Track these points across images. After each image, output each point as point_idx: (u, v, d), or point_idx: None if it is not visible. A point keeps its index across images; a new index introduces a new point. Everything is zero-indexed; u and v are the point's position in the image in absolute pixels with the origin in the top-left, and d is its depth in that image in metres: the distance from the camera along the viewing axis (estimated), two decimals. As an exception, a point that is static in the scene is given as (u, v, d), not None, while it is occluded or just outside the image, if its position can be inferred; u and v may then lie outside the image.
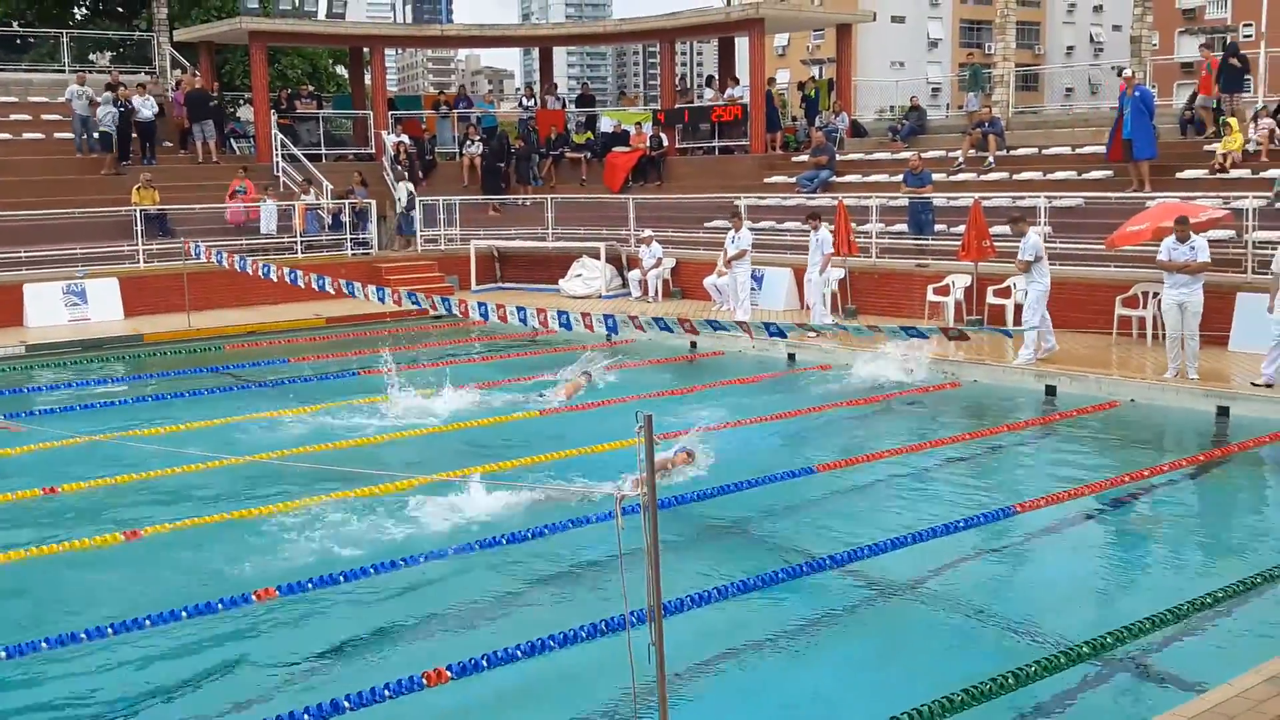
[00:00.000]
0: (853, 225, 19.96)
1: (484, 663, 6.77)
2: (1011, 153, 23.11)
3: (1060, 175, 21.19)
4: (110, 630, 7.39)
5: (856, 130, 27.50)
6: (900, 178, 21.98)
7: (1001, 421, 13.10)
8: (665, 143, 28.13)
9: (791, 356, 16.98)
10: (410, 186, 25.70)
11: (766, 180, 25.55)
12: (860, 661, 7.15)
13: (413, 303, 14.78)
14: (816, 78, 32.42)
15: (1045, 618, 7.57)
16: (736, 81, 29.52)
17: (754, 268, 21.04)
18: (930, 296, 18.72)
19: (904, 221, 21.19)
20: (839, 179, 24.27)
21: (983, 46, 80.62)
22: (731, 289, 19.69)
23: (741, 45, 30.40)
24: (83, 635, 7.31)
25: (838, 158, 25.05)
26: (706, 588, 7.77)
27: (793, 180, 24.67)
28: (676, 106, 29.61)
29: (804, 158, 25.52)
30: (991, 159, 22.80)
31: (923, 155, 23.05)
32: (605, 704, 6.32)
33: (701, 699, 6.55)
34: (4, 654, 7.06)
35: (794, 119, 29.87)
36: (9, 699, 6.72)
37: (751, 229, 21.10)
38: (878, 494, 10.62)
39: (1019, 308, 17.57)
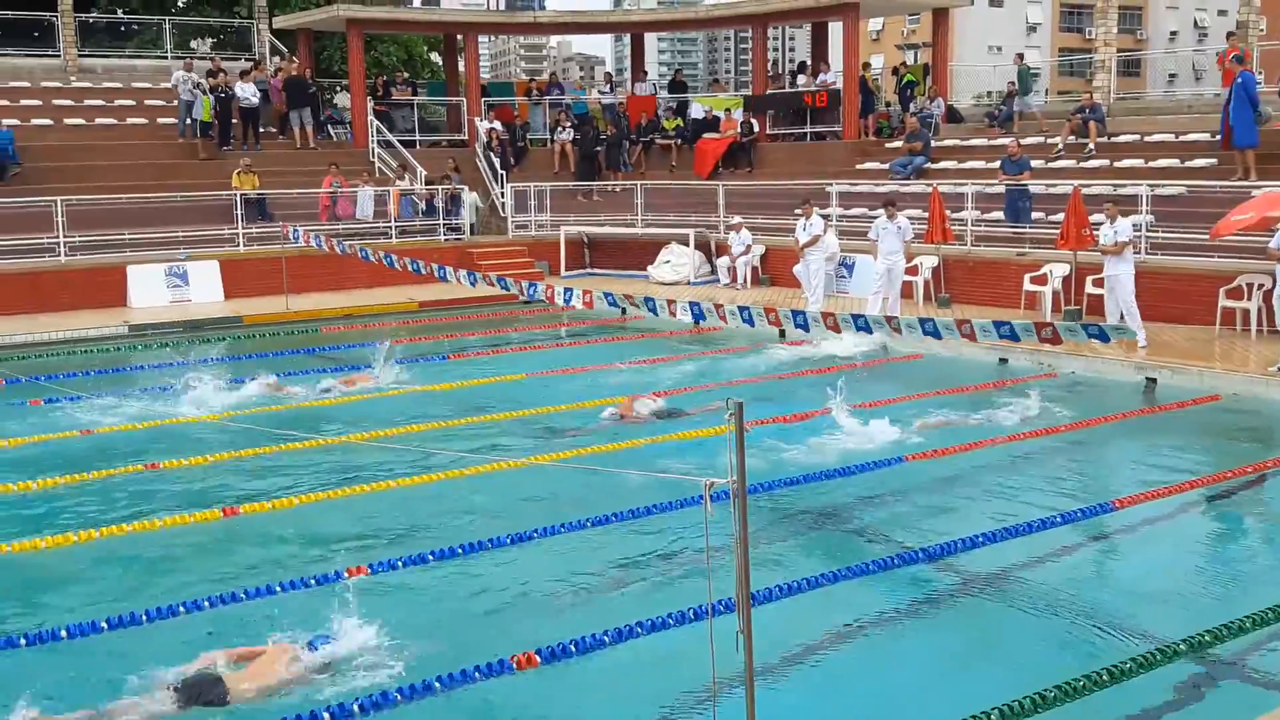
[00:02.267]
0: (947, 213, 19.65)
1: (573, 648, 6.82)
2: (1113, 139, 22.56)
3: (1163, 163, 20.64)
4: (207, 604, 7.58)
5: (952, 116, 27.06)
6: (998, 164, 21.58)
7: (1100, 413, 12.80)
8: (756, 129, 27.96)
9: (884, 345, 16.77)
10: (475, 197, 25.76)
11: (859, 166, 25.28)
12: (951, 656, 7.04)
13: (502, 287, 14.89)
14: (910, 63, 31.95)
15: (1142, 614, 7.40)
16: (829, 67, 29.22)
17: (845, 255, 20.86)
18: (1027, 286, 18.36)
19: (1001, 209, 20.80)
20: (933, 165, 23.92)
21: (1083, 30, 78.81)
22: (804, 277, 19.49)
23: (835, 30, 30.07)
24: (180, 609, 7.51)
25: (933, 144, 24.68)
26: (794, 578, 7.73)
27: (886, 166, 24.38)
28: (768, 92, 29.40)
29: (898, 144, 25.20)
30: (1092, 146, 22.28)
31: (1021, 141, 22.60)
32: (692, 691, 6.30)
33: (787, 690, 6.49)
34: (106, 625, 7.28)
35: (888, 104, 29.50)
36: (109, 669, 6.90)
37: (843, 215, 20.88)
38: (971, 486, 10.45)
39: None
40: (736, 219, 22.97)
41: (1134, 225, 16.52)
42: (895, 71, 29.66)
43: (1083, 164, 21.84)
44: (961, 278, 19.78)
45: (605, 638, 6.94)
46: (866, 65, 28.47)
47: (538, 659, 6.69)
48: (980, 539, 8.58)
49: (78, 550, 8.62)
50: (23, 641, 7.01)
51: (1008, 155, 21.21)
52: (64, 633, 7.10)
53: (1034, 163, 21.55)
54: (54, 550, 8.59)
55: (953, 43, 30.55)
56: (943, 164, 23.99)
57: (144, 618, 7.30)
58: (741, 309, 11.81)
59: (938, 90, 27.42)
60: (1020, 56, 27.55)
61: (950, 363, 15.47)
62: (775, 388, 14.43)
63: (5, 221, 20.38)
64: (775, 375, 15.21)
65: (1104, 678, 6.21)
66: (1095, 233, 16.58)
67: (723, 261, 23.12)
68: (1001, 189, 20.86)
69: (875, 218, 18.76)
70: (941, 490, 10.27)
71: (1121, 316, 15.56)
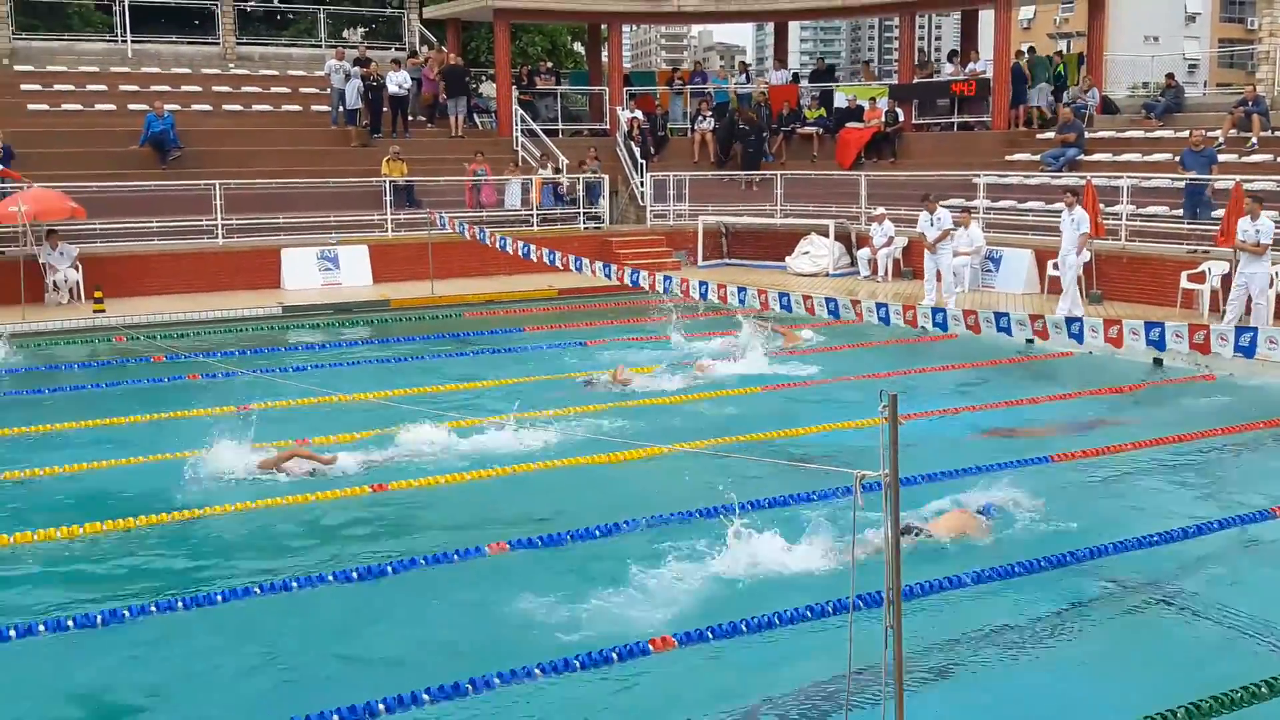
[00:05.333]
0: (1101, 206, 19.04)
1: (709, 634, 6.84)
2: (1276, 133, 21.57)
3: (1330, 158, 19.67)
4: (355, 575, 7.85)
5: (1107, 107, 26.21)
6: (1157, 157, 20.77)
7: (1259, 418, 12.27)
8: (901, 118, 27.50)
9: (1030, 340, 16.33)
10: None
11: (1008, 158, 24.67)
12: (1101, 662, 6.83)
13: (633, 282, 14.92)
14: (1064, 52, 31.00)
15: (1305, 627, 7.08)
16: (978, 56, 28.58)
17: (991, 248, 20.41)
18: (1184, 284, 17.71)
19: (1157, 203, 20.07)
20: (1087, 158, 23.21)
21: (1245, 21, 75.55)
22: (931, 272, 19.12)
23: (985, 18, 29.40)
24: (329, 577, 7.82)
25: (1086, 135, 23.94)
26: (937, 576, 7.61)
27: (1037, 158, 23.76)
28: (914, 81, 28.89)
29: (1049, 135, 24.54)
30: (1255, 140, 21.35)
31: (1178, 134, 21.74)
32: (831, 683, 6.25)
33: (929, 688, 6.39)
34: (259, 590, 7.58)
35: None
36: (264, 631, 7.18)
37: (991, 207, 20.35)
38: (1120, 489, 10.12)
39: (1280, 298, 16.52)
40: (879, 210, 22.64)
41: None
42: (1048, 61, 28.81)
43: (1245, 159, 20.94)
44: (1115, 274, 19.15)
45: (743, 626, 6.94)
46: (1020, 53, 27.74)
47: (674, 642, 6.73)
48: (1131, 543, 8.33)
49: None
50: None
51: (1190, 146, 20.22)
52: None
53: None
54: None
55: (1108, 32, 29.47)
56: (1096, 156, 23.27)
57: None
58: (879, 305, 11.66)
59: (1092, 80, 26.59)
60: (1031, 50, 26.77)
61: (1103, 361, 14.99)
62: (918, 381, 14.20)
63: (168, 204, 21.25)
64: (919, 369, 14.95)
65: (1263, 690, 5.97)
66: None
67: (863, 253, 22.81)
68: (1159, 183, 20.09)
69: (1025, 210, 18.31)
70: (1089, 492, 9.97)
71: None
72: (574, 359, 15.45)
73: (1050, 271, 19.35)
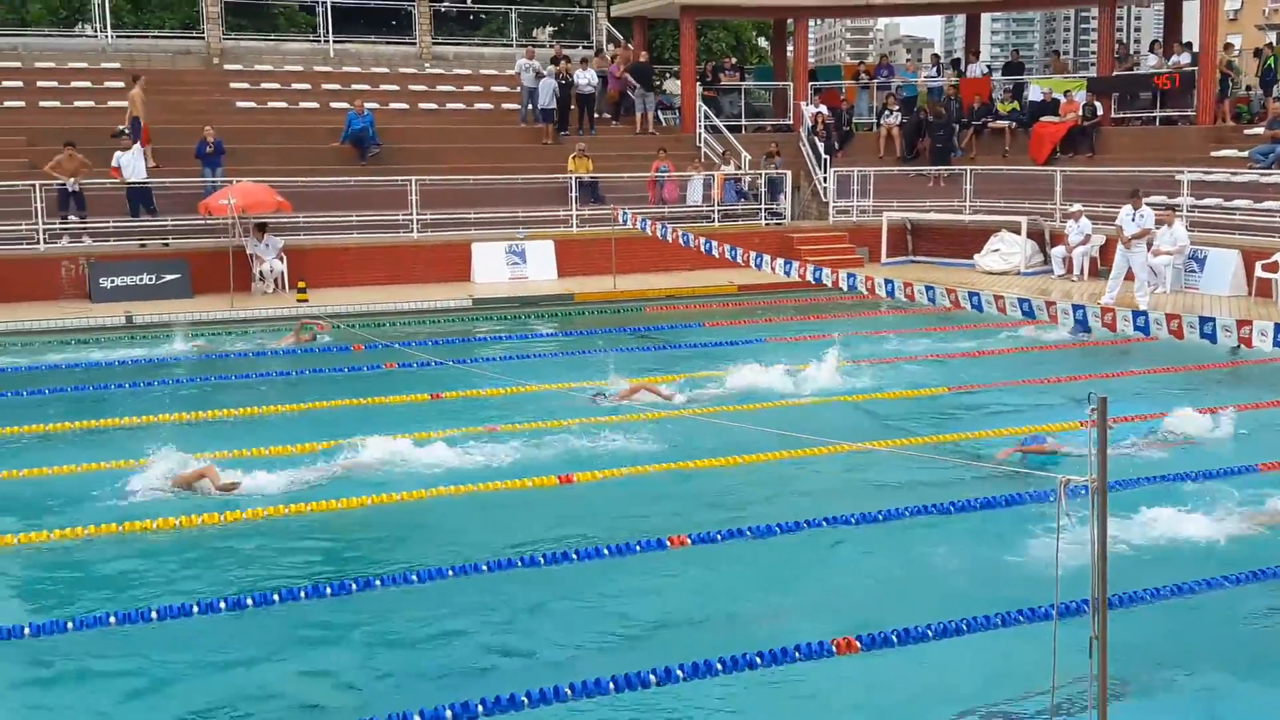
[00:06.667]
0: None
1: (894, 638, 6.74)
2: None
3: None
4: (541, 560, 8.07)
5: (1321, 102, 24.71)
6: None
7: None
8: (1099, 112, 26.50)
9: (1235, 348, 15.52)
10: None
11: (1213, 154, 23.51)
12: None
13: (815, 279, 14.74)
14: (1274, 44, 29.37)
15: None
16: (1182, 47, 27.31)
17: (1195, 248, 19.50)
18: None
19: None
20: (1299, 154, 21.93)
21: None
22: (1119, 270, 18.33)
23: (1190, 8, 28.05)
24: (518, 562, 8.05)
25: (1298, 131, 22.63)
26: (1144, 586, 7.33)
27: (1244, 154, 22.57)
28: (1114, 74, 27.79)
29: (1258, 130, 23.28)
30: None
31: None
32: (1026, 697, 6.08)
33: (1135, 704, 6.14)
34: (452, 573, 7.83)
35: (1248, 88, 27.29)
36: (456, 610, 7.41)
37: (1195, 205, 19.42)
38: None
39: None
40: (1076, 206, 21.86)
41: None
42: (1257, 53, 27.36)
43: None
44: (1330, 278, 18.08)
45: (928, 631, 6.81)
46: (1229, 45, 26.43)
47: (858, 645, 6.66)
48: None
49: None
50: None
51: None
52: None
53: None
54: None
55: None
56: (1310, 153, 21.96)
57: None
58: (1075, 307, 11.24)
59: (1306, 74, 25.12)
60: (1270, 46, 24.97)
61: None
62: (1114, 385, 13.68)
63: (366, 199, 22.08)
64: (1120, 373, 14.41)
65: None
66: None
67: (1057, 251, 22.05)
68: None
69: (1232, 209, 17.46)
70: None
71: None
72: (751, 356, 15.39)
73: (1259, 273, 18.45)
